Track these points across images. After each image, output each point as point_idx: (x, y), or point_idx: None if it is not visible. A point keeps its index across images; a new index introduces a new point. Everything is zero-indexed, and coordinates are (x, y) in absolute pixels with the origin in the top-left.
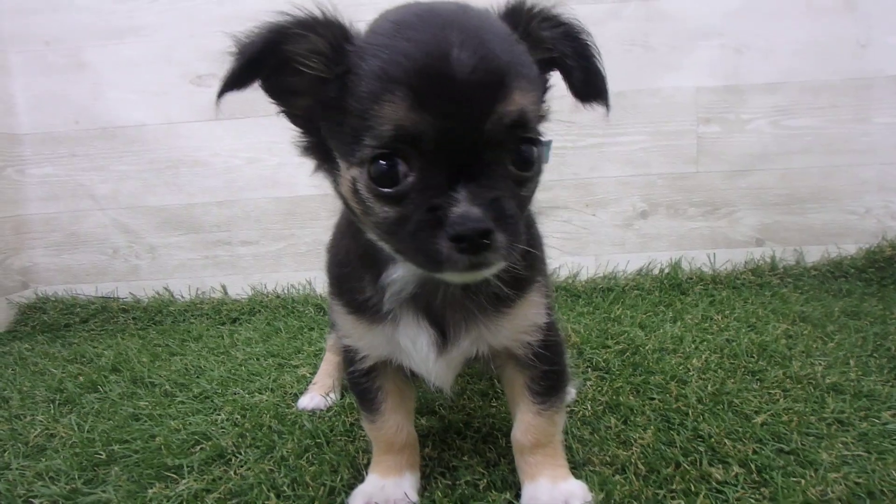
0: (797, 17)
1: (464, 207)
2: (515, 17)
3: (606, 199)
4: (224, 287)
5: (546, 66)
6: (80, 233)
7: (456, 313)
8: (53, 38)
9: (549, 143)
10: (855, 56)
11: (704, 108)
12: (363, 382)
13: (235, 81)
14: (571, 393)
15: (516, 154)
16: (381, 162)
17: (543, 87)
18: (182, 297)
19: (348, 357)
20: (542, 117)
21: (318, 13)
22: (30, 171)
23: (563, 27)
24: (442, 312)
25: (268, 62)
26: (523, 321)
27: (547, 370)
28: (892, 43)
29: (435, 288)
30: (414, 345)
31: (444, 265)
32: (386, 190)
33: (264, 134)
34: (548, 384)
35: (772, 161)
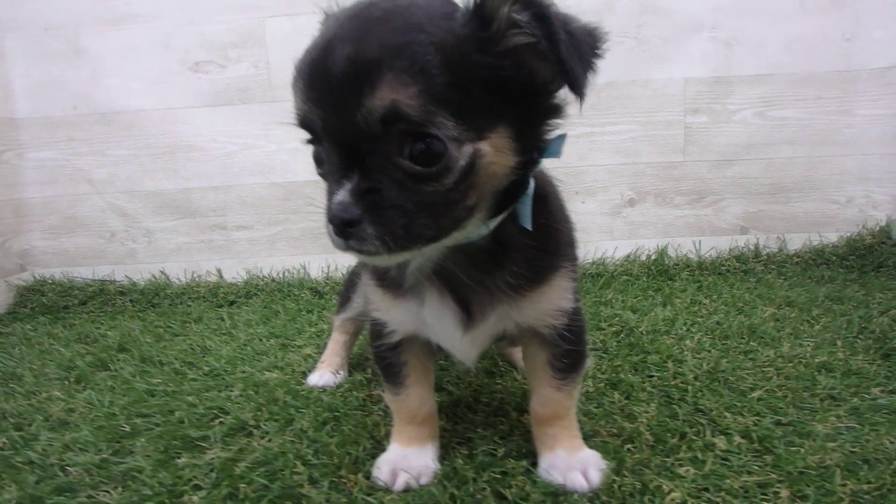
0: (787, 12)
1: (340, 196)
2: (488, 3)
3: (595, 187)
4: (219, 270)
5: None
6: (77, 216)
7: (481, 293)
8: (51, 24)
9: (562, 138)
10: (841, 50)
11: (692, 99)
12: (389, 357)
13: None
14: None
15: (413, 148)
16: (315, 146)
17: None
18: (178, 280)
19: (375, 331)
20: (452, 109)
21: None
22: (28, 156)
23: (533, 9)
24: (467, 291)
25: None
26: (548, 305)
27: (569, 349)
28: (877, 38)
29: (456, 266)
30: (439, 321)
31: (334, 244)
32: (319, 170)
33: (260, 121)
34: (569, 362)
35: (757, 151)
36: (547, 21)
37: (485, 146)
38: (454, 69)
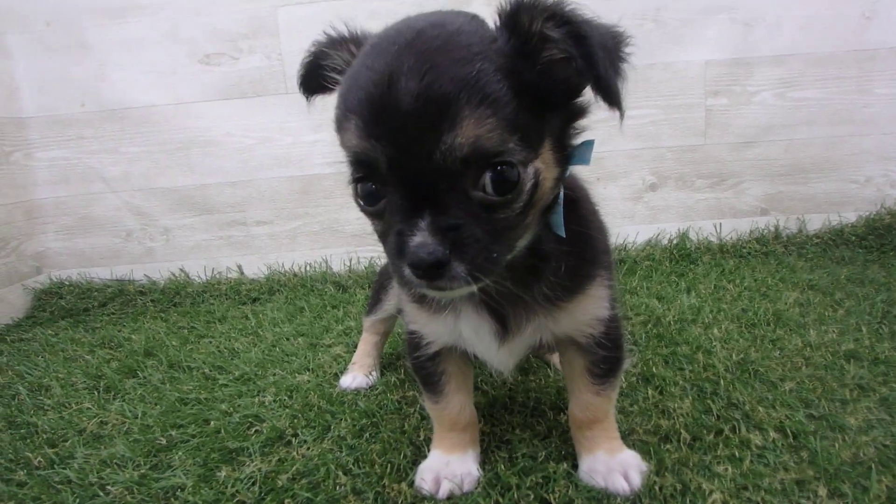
0: None
1: (420, 237)
2: (518, 19)
3: (616, 172)
4: (240, 267)
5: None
6: (92, 216)
7: (516, 306)
8: (53, 18)
9: (590, 144)
10: (859, 28)
11: (713, 82)
12: (428, 367)
13: (305, 90)
14: None
15: (488, 178)
16: (366, 183)
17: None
18: (199, 278)
19: (413, 342)
20: (520, 133)
21: (345, 31)
22: (37, 155)
23: (568, 27)
24: (502, 304)
25: (315, 76)
26: (584, 315)
27: (606, 356)
28: (895, 15)
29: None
30: (476, 334)
31: (411, 285)
32: (370, 208)
33: (276, 113)
34: (607, 367)
35: (777, 132)
36: (585, 41)
37: (540, 163)
38: (516, 92)
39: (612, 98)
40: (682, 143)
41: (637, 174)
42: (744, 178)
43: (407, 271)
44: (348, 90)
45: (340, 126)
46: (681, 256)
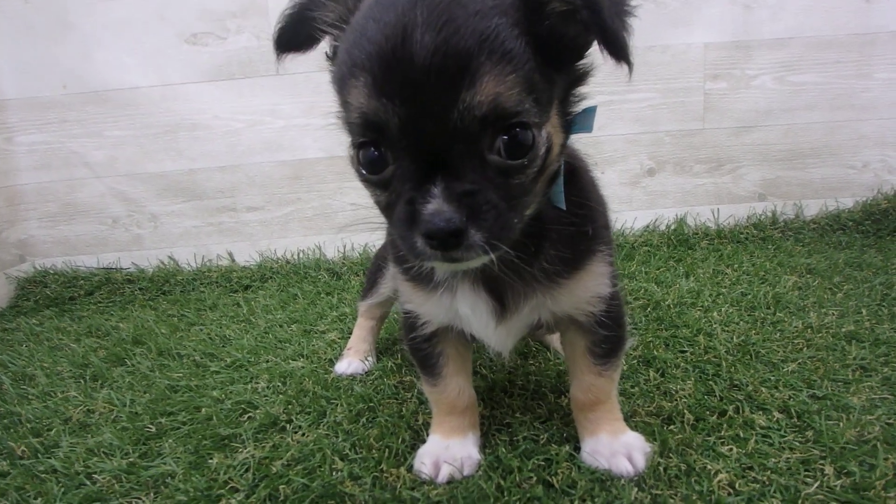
0: None
1: (434, 205)
2: None
3: (614, 157)
4: (231, 254)
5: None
6: (76, 202)
7: (514, 283)
8: None
9: (592, 111)
10: (860, 12)
11: (712, 65)
12: (425, 348)
13: (280, 45)
14: None
15: (504, 141)
16: (369, 149)
17: (552, 61)
18: (188, 265)
19: (409, 323)
20: (535, 94)
21: None
22: (18, 139)
23: None
24: (500, 282)
25: (300, 29)
26: (584, 292)
27: (608, 335)
28: None
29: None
30: (473, 313)
31: (422, 257)
32: (373, 176)
33: (266, 96)
34: (609, 347)
35: (776, 117)
36: None
37: (550, 127)
38: (532, 50)
39: (619, 50)
40: (680, 127)
41: (635, 159)
42: (742, 163)
43: (420, 242)
44: (354, 44)
45: (344, 84)
46: (678, 242)
